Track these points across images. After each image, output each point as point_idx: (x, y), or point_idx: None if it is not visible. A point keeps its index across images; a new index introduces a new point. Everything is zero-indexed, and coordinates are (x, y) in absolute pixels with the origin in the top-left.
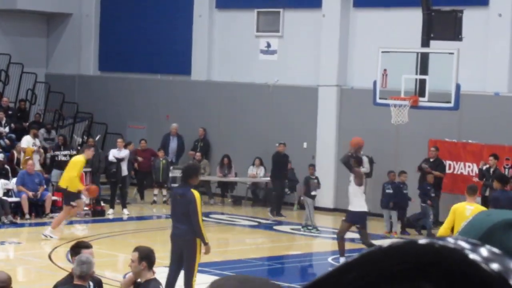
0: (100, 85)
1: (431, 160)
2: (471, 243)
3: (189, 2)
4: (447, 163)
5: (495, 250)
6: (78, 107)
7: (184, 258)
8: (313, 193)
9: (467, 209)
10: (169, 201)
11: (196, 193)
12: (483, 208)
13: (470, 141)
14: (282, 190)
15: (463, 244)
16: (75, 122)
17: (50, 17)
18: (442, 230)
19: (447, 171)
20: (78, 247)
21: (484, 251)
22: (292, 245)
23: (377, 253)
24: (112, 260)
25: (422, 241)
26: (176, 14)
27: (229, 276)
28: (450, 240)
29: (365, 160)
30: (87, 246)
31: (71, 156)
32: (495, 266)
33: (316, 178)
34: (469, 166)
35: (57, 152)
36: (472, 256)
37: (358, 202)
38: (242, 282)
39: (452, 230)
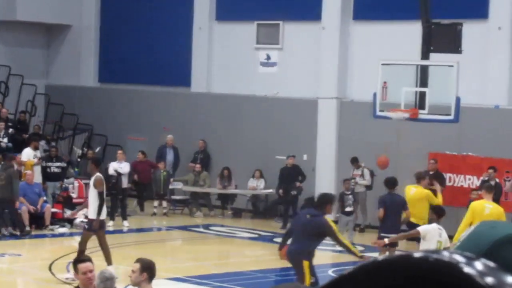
0: (100, 96)
1: (431, 172)
2: (465, 257)
3: (189, 14)
4: (447, 175)
5: (490, 263)
6: (78, 118)
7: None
8: (347, 209)
9: (486, 208)
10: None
11: (328, 219)
12: (501, 208)
13: (470, 153)
14: (292, 203)
15: (457, 257)
16: (75, 134)
17: (50, 28)
18: (461, 227)
19: (447, 183)
20: (75, 263)
21: (478, 264)
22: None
23: (372, 266)
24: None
25: (417, 254)
26: (176, 26)
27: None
28: (445, 253)
29: (365, 172)
30: (82, 260)
31: (62, 168)
32: (489, 280)
33: (352, 193)
34: (469, 179)
35: (49, 164)
36: (466, 269)
37: None
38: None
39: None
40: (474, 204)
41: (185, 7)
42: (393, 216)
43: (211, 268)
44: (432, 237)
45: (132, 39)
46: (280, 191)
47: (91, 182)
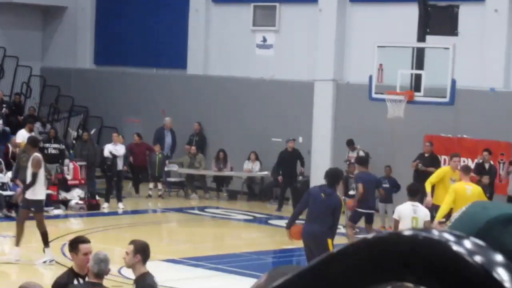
0: (95, 79)
1: (426, 155)
2: (455, 235)
3: None
4: (442, 158)
5: (480, 242)
6: (73, 100)
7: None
8: (350, 192)
9: (467, 189)
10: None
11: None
12: (480, 188)
13: (465, 136)
14: (291, 188)
15: (447, 236)
16: (70, 116)
17: (45, 10)
18: (443, 207)
19: (442, 166)
20: (75, 242)
21: (468, 243)
22: (287, 240)
23: (362, 244)
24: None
25: (406, 232)
26: (173, 8)
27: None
28: (434, 232)
29: (361, 154)
30: (84, 241)
31: (60, 149)
32: (478, 258)
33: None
34: (464, 161)
35: (47, 145)
36: (455, 248)
37: None
38: (275, 269)
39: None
40: (455, 186)
41: None
42: (369, 193)
43: (206, 250)
44: (407, 216)
45: (128, 21)
46: (280, 177)
47: (29, 161)
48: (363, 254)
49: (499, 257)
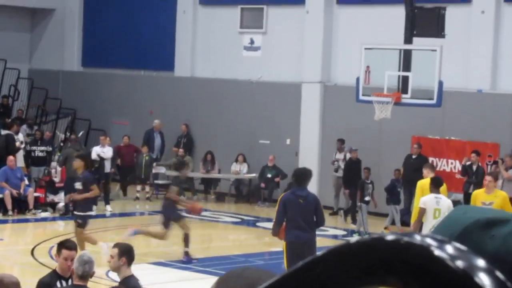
0: (83, 81)
1: (414, 156)
2: (437, 240)
3: None
4: (430, 159)
5: (461, 247)
6: (61, 103)
7: None
8: (367, 198)
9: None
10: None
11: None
12: (445, 185)
13: (453, 137)
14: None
15: (429, 240)
16: (58, 118)
17: (33, 12)
18: (415, 206)
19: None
20: (60, 245)
21: (449, 248)
22: (275, 242)
23: (344, 248)
24: (95, 257)
25: (389, 237)
26: (160, 9)
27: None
28: (417, 236)
29: (348, 157)
30: (69, 247)
31: (47, 152)
32: (460, 263)
33: (371, 182)
34: (451, 163)
35: (33, 147)
36: (437, 252)
37: None
38: (243, 270)
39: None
40: (421, 183)
41: None
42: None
43: (194, 252)
44: (430, 207)
45: (116, 23)
46: (277, 179)
47: None
48: (346, 259)
49: (481, 262)
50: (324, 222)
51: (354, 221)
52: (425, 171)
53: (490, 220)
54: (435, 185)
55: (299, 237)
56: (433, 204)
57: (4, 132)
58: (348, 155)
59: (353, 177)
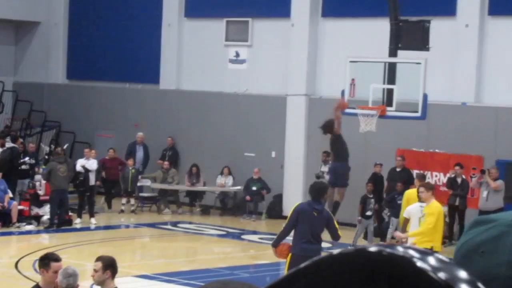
0: (68, 93)
1: (398, 169)
2: (419, 252)
3: (158, 11)
4: (414, 172)
5: (444, 258)
6: (46, 115)
7: None
8: (368, 213)
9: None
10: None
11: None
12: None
13: (437, 150)
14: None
15: (411, 252)
16: (43, 131)
17: (18, 25)
18: (401, 213)
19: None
20: (47, 259)
21: (432, 259)
22: (261, 255)
23: (327, 260)
24: (80, 270)
25: (372, 248)
26: (145, 22)
27: (215, 280)
28: (399, 248)
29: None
30: (57, 259)
31: (31, 164)
32: (442, 274)
33: (373, 197)
34: (436, 176)
35: (21, 161)
36: (419, 264)
37: None
38: (226, 284)
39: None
40: (408, 193)
41: (154, 3)
42: None
43: (179, 265)
44: (414, 216)
45: (101, 36)
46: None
47: None
48: (328, 270)
49: (463, 273)
50: (338, 236)
51: (381, 237)
52: (416, 181)
53: None
54: (420, 178)
55: (305, 251)
56: (417, 213)
57: (9, 145)
58: None
59: (378, 192)
